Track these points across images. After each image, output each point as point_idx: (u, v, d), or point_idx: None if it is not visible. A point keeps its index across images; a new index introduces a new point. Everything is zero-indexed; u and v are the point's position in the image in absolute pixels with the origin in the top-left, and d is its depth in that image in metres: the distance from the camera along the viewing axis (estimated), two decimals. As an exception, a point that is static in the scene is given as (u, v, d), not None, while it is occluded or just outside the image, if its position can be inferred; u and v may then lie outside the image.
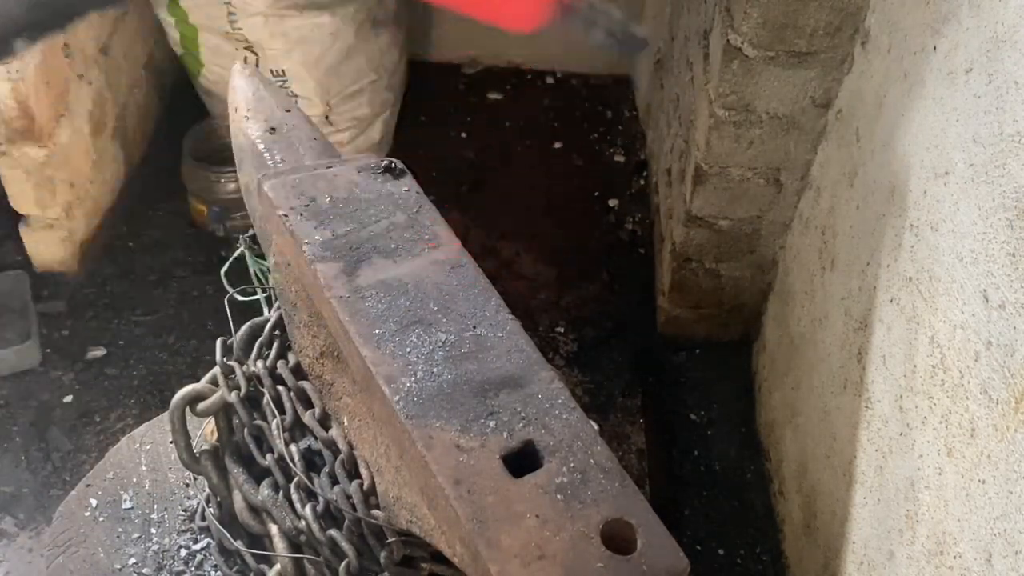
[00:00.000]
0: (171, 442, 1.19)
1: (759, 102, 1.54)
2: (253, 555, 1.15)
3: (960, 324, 1.01)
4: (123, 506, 1.32)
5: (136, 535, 1.30)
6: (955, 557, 0.98)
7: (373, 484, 1.06)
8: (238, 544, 1.16)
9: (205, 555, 1.29)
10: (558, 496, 0.83)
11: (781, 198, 1.69)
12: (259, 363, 1.11)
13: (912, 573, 1.09)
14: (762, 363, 1.89)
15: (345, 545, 1.04)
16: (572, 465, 0.86)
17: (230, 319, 1.18)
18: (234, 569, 1.21)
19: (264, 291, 1.29)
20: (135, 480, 1.35)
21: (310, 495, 1.08)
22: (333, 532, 1.05)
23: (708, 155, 1.65)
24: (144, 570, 1.26)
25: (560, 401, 0.92)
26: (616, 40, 0.85)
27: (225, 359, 1.12)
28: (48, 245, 1.98)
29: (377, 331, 0.95)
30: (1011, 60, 0.95)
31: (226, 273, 1.26)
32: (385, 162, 1.13)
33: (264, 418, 1.11)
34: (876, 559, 1.21)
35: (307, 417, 1.08)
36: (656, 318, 2.06)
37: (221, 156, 1.99)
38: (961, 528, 0.97)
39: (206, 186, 2.10)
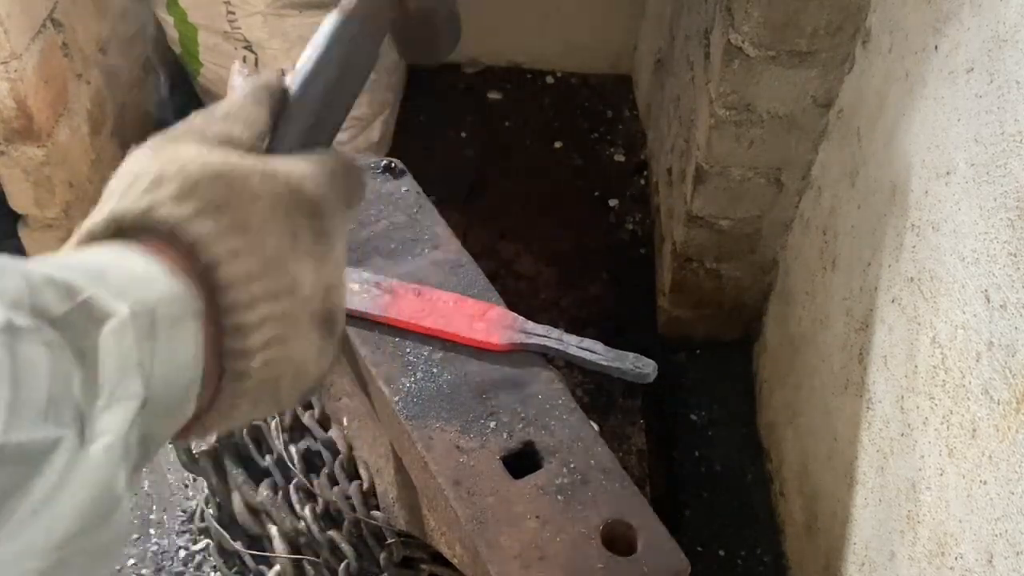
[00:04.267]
0: (170, 442, 1.19)
1: (760, 102, 1.54)
2: (252, 556, 1.15)
3: (961, 324, 1.01)
4: (122, 507, 1.31)
5: (135, 536, 1.30)
6: (956, 558, 0.98)
7: (373, 485, 1.06)
8: (237, 545, 1.16)
9: (204, 556, 1.28)
10: (558, 497, 0.83)
11: (782, 198, 1.69)
12: (258, 363, 1.11)
13: (913, 574, 1.09)
14: (763, 364, 1.89)
15: (344, 546, 1.04)
16: (572, 466, 0.86)
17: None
18: (233, 570, 1.21)
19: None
20: (134, 481, 1.35)
21: (309, 496, 1.08)
22: (332, 533, 1.05)
23: (709, 155, 1.64)
24: (143, 571, 1.26)
25: (560, 402, 0.92)
26: (622, 371, 0.97)
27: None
28: (47, 245, 1.98)
29: (376, 331, 0.94)
30: (1012, 60, 0.94)
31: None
32: (385, 162, 1.13)
33: (263, 418, 1.11)
34: (877, 560, 1.21)
35: (307, 418, 1.08)
36: (656, 318, 2.06)
37: (220, 156, 1.99)
38: (962, 529, 0.97)
39: (205, 186, 2.10)
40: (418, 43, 0.68)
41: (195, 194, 0.44)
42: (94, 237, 0.45)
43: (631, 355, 0.97)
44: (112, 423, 0.36)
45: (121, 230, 0.44)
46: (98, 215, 0.45)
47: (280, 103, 0.54)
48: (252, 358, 0.44)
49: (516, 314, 0.98)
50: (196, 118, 0.51)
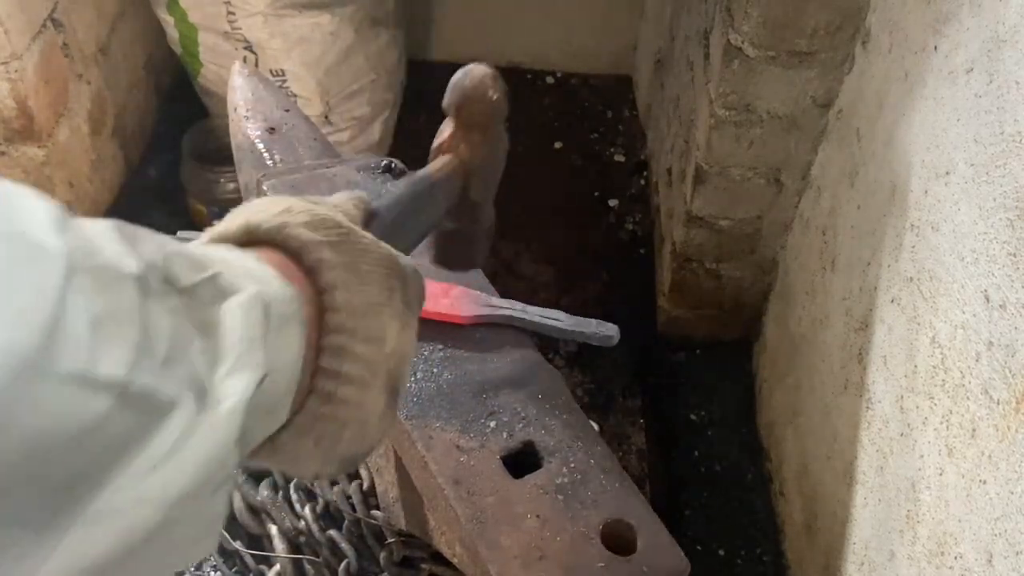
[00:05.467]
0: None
1: (760, 102, 1.54)
2: (252, 556, 1.15)
3: (961, 324, 1.01)
4: (122, 506, 1.31)
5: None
6: (956, 558, 0.98)
7: (372, 484, 1.06)
8: (237, 545, 1.16)
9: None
10: (558, 497, 0.83)
11: (782, 198, 1.69)
12: (258, 363, 1.11)
13: (913, 574, 1.09)
14: (763, 363, 1.89)
15: (344, 545, 1.04)
16: (572, 465, 0.86)
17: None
18: (233, 570, 1.21)
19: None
20: (134, 480, 1.34)
21: (309, 495, 1.08)
22: (332, 532, 1.05)
23: (708, 155, 1.64)
24: (143, 571, 1.26)
25: (560, 401, 0.92)
26: (586, 335, 1.01)
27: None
28: (47, 245, 1.98)
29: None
30: (1012, 60, 0.94)
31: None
32: (385, 162, 1.13)
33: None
34: (877, 560, 1.21)
35: (306, 417, 1.08)
36: (656, 318, 2.06)
37: (221, 156, 1.99)
38: (962, 528, 0.97)
39: (206, 186, 2.10)
40: (456, 249, 0.83)
41: (321, 228, 0.48)
42: (223, 240, 0.47)
43: (594, 321, 0.99)
44: (236, 388, 0.37)
45: (249, 241, 0.47)
46: (231, 222, 0.48)
47: (369, 214, 0.61)
48: (341, 383, 0.46)
49: (479, 291, 1.01)
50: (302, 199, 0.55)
